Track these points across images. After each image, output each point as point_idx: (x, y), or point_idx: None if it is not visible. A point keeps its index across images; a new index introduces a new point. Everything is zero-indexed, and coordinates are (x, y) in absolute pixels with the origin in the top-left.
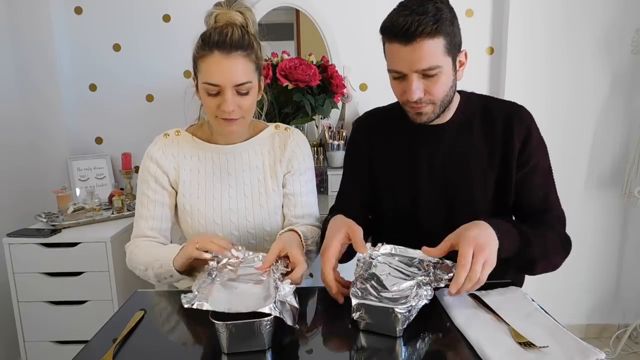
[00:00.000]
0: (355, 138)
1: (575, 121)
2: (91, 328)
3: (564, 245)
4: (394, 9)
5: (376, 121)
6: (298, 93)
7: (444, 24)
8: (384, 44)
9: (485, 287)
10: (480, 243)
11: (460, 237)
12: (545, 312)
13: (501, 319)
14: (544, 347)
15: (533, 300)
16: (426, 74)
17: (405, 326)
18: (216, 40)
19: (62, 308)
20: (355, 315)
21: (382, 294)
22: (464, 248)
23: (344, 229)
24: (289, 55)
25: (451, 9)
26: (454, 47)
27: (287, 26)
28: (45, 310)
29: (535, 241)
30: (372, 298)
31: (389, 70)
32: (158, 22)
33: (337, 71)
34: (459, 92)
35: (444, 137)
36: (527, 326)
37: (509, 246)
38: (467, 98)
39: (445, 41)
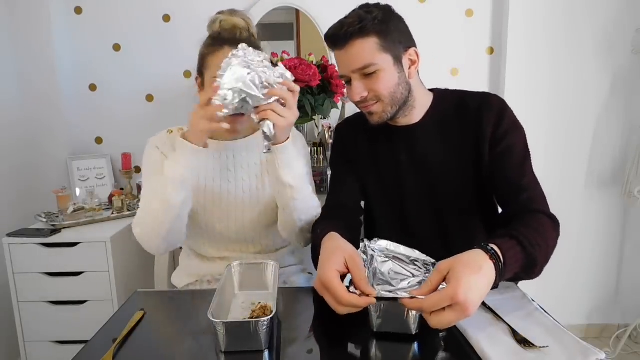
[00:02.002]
0: (341, 143)
1: (575, 121)
2: (91, 328)
3: (556, 231)
4: None
5: (357, 126)
6: None
7: (372, 23)
8: None
9: None
10: (468, 304)
11: (452, 283)
12: (545, 312)
13: (501, 318)
14: (544, 347)
15: (533, 300)
16: (364, 73)
17: (418, 321)
18: (227, 37)
19: (62, 308)
20: (374, 319)
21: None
22: (447, 296)
23: (342, 254)
24: (289, 55)
25: (387, 11)
26: (393, 45)
27: (287, 26)
28: (45, 310)
29: (539, 257)
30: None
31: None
32: (158, 22)
33: (337, 71)
34: (433, 90)
35: (419, 137)
36: (527, 326)
37: (510, 273)
38: (441, 96)
39: (378, 39)
